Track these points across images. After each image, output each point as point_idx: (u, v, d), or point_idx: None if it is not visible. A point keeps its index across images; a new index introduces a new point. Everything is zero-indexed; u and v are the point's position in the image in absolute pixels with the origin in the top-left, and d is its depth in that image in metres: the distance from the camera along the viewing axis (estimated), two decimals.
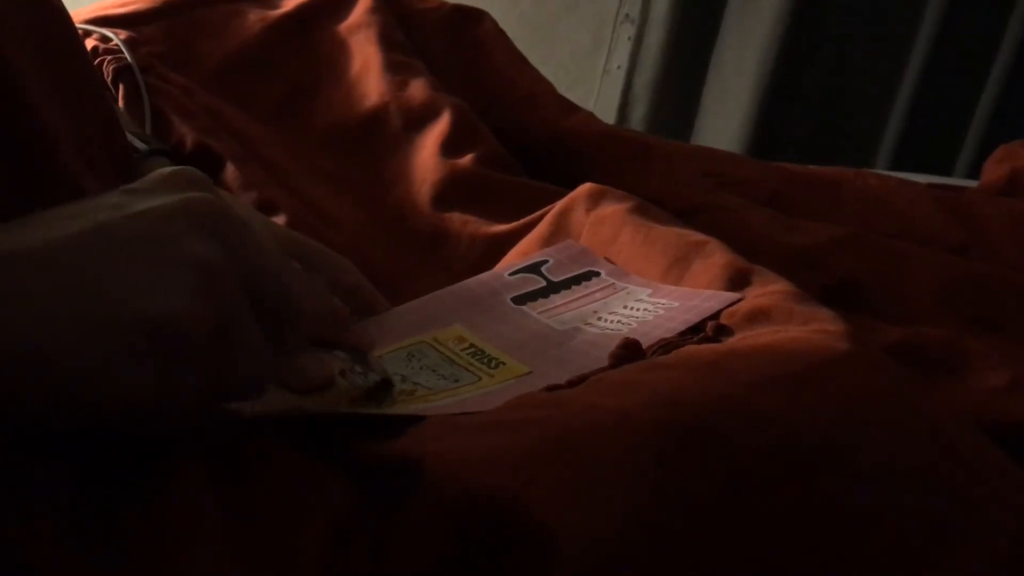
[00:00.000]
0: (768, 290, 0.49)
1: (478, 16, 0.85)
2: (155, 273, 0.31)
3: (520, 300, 0.54)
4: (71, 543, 0.30)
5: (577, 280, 0.56)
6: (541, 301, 0.54)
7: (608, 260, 0.57)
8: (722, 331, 0.46)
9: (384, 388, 0.44)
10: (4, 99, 0.42)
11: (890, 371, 0.41)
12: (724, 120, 1.60)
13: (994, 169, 1.03)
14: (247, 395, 0.36)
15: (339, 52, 0.76)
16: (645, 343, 0.46)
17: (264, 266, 0.35)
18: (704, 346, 0.44)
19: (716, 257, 0.53)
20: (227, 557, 0.31)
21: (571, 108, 0.81)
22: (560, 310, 0.53)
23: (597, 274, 0.56)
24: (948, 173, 1.53)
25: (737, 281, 0.51)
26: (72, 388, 0.30)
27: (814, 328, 0.43)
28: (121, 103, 0.67)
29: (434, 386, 0.46)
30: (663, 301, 0.52)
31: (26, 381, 0.29)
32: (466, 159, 0.68)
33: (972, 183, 1.07)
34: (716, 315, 0.48)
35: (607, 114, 1.61)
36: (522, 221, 0.64)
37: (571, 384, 0.42)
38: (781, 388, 0.38)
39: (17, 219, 0.31)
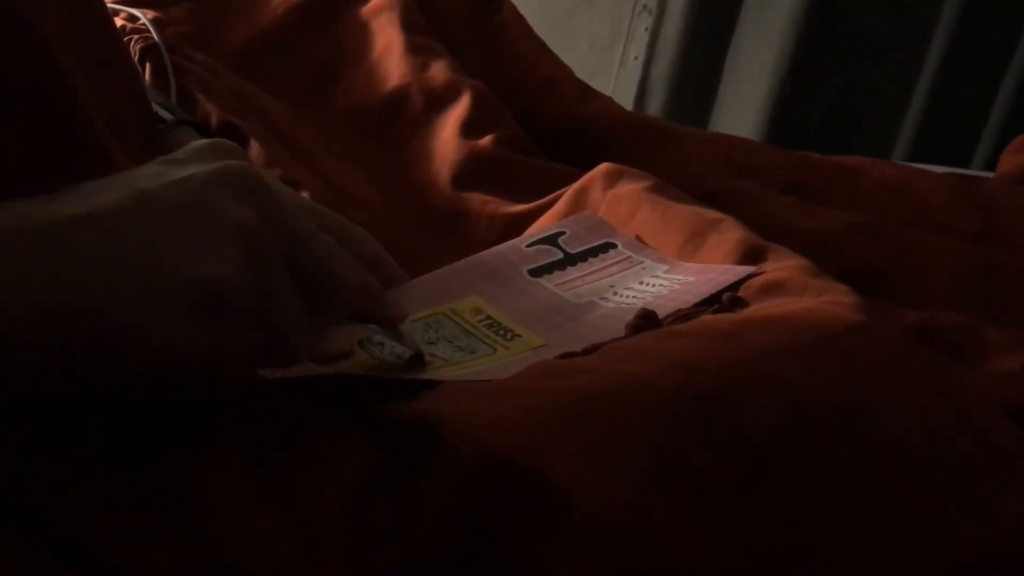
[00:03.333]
0: (783, 264, 0.49)
1: (499, 2, 0.86)
2: (199, 237, 0.32)
3: (537, 272, 0.55)
4: (103, 504, 0.31)
5: (594, 252, 0.57)
6: (557, 273, 0.55)
7: (624, 232, 0.58)
8: (737, 303, 0.47)
9: (417, 361, 0.44)
10: (40, 73, 0.42)
11: (903, 343, 0.42)
12: (741, 111, 1.60)
13: (1011, 159, 1.03)
14: (290, 361, 0.37)
15: (361, 34, 0.77)
16: (661, 314, 0.47)
17: (299, 234, 0.36)
18: (720, 316, 0.44)
19: (731, 233, 0.54)
20: (256, 516, 0.32)
21: (591, 93, 0.81)
22: (576, 283, 0.54)
23: (614, 246, 0.57)
24: (966, 166, 1.53)
25: (752, 257, 0.51)
26: (120, 346, 0.31)
27: (828, 299, 0.44)
28: (148, 82, 0.68)
29: (450, 357, 0.46)
30: (679, 276, 0.52)
31: (79, 338, 0.30)
32: (486, 140, 0.69)
33: (986, 174, 1.07)
34: (733, 287, 0.49)
35: (624, 105, 1.60)
36: (540, 201, 0.64)
37: (586, 352, 0.42)
38: (796, 356, 0.38)
39: (59, 190, 0.32)
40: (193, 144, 0.37)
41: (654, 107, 1.62)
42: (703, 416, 0.35)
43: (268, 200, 0.35)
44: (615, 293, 0.52)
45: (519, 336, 0.48)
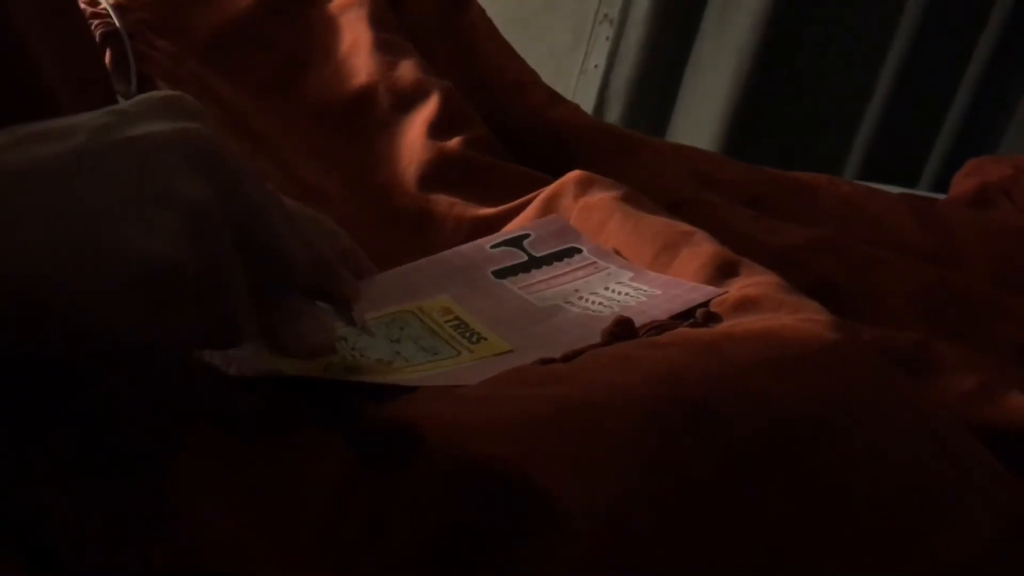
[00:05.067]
0: (756, 280, 0.50)
1: (467, 2, 0.85)
2: (145, 211, 0.30)
3: (501, 274, 0.54)
4: (72, 498, 0.30)
5: (559, 256, 0.56)
6: (522, 276, 0.54)
7: (589, 237, 0.57)
8: (711, 318, 0.47)
9: (380, 362, 0.44)
10: (6, 56, 0.41)
11: (877, 361, 0.42)
12: (698, 122, 1.62)
13: (963, 183, 1.05)
14: (230, 343, 0.35)
15: (330, 29, 0.75)
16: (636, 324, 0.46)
17: (254, 206, 0.33)
18: (697, 329, 0.44)
19: (704, 247, 0.54)
20: (231, 516, 0.31)
21: (558, 99, 0.81)
22: (540, 286, 0.53)
23: (579, 251, 0.56)
24: (913, 185, 1.56)
25: (725, 271, 0.51)
26: (50, 319, 0.29)
27: (804, 317, 0.44)
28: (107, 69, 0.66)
29: (412, 357, 0.46)
30: (645, 288, 0.52)
31: (8, 309, 0.28)
32: (454, 142, 0.68)
33: (936, 195, 1.09)
34: (704, 303, 0.49)
35: None
36: (509, 205, 0.64)
37: (566, 358, 0.42)
38: (776, 371, 0.39)
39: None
40: (150, 95, 0.33)
41: (613, 115, 1.63)
42: (686, 427, 0.35)
43: (225, 171, 0.32)
44: (580, 298, 0.52)
45: (484, 339, 0.48)
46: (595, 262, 0.55)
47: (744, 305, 0.47)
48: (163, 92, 0.34)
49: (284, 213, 0.35)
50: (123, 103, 0.33)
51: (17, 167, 0.28)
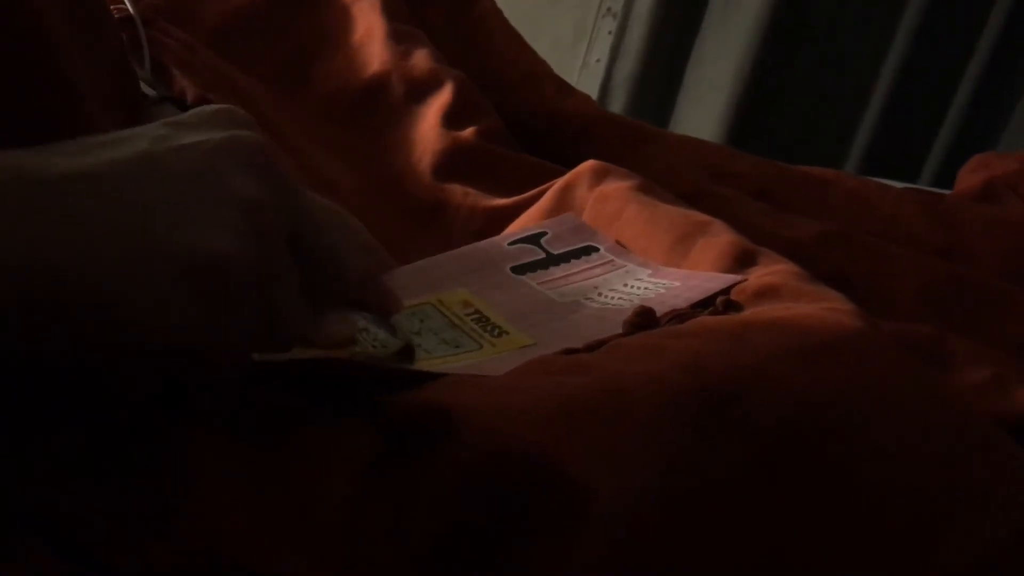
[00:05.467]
0: (775, 269, 0.50)
1: None
2: (202, 209, 0.30)
3: (519, 270, 0.54)
4: (90, 491, 0.29)
5: (576, 254, 0.56)
6: (540, 272, 0.54)
7: (606, 236, 0.57)
8: (731, 306, 0.47)
9: (405, 354, 0.43)
10: (26, 37, 0.40)
11: (902, 352, 0.42)
12: (700, 117, 1.62)
13: (968, 178, 1.05)
14: (285, 346, 0.35)
15: (342, 18, 0.75)
16: (657, 314, 0.46)
17: (308, 215, 0.34)
18: (719, 317, 0.44)
19: (722, 236, 0.54)
20: (251, 507, 0.31)
21: (569, 90, 0.81)
22: (560, 283, 0.53)
23: (596, 249, 0.56)
24: (913, 181, 1.57)
25: (743, 260, 0.51)
26: (113, 317, 0.29)
27: (827, 306, 0.44)
28: None
29: (434, 350, 0.46)
30: (664, 281, 0.52)
31: (67, 308, 0.28)
32: (468, 132, 0.68)
33: (938, 190, 1.09)
34: (725, 291, 0.49)
35: None
36: (523, 196, 0.64)
37: (589, 349, 0.42)
38: (800, 360, 0.39)
39: (55, 143, 0.30)
40: (203, 108, 0.34)
41: (615, 109, 1.62)
42: (713, 417, 0.35)
43: (278, 177, 0.33)
44: (600, 295, 0.52)
45: (507, 333, 0.48)
46: (612, 260, 0.55)
47: (764, 293, 0.47)
48: (216, 105, 0.35)
49: (330, 222, 0.35)
50: (179, 116, 0.33)
51: (76, 169, 0.28)
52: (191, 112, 0.34)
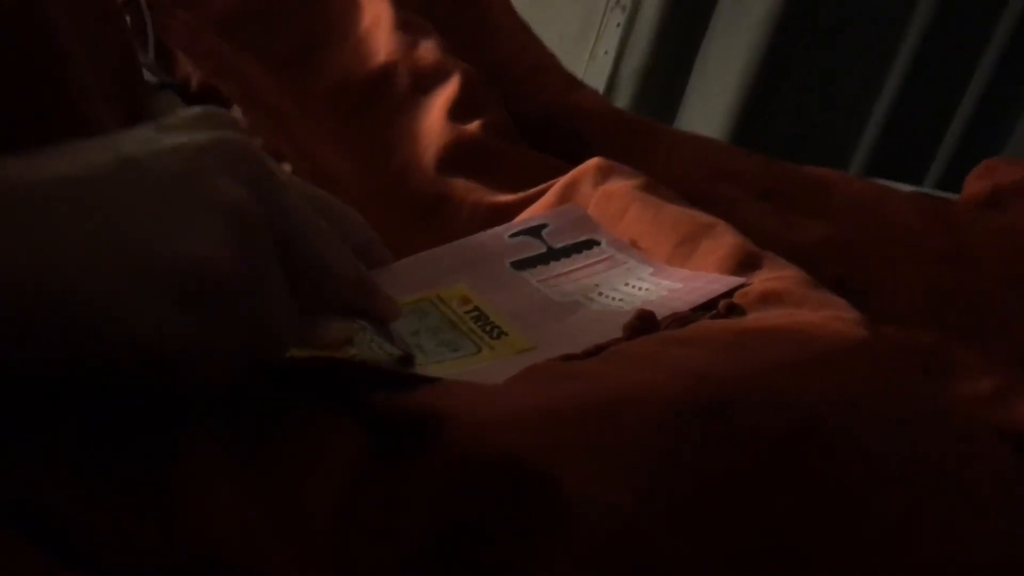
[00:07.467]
0: (779, 274, 0.49)
1: None
2: (185, 214, 0.29)
3: (520, 266, 0.53)
4: (85, 491, 0.29)
5: (577, 248, 0.56)
6: (540, 268, 0.53)
7: (607, 229, 0.57)
8: (734, 310, 0.46)
9: (405, 363, 0.43)
10: (28, 25, 0.40)
11: (904, 362, 0.42)
12: (707, 113, 1.61)
13: (975, 184, 1.05)
14: (272, 354, 0.34)
15: (349, 6, 0.74)
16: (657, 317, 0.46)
17: (296, 220, 0.33)
18: (720, 322, 0.44)
19: (726, 238, 0.53)
20: (241, 507, 0.30)
21: (577, 84, 0.80)
22: (560, 280, 0.53)
23: (597, 243, 0.56)
24: (919, 182, 1.56)
25: (747, 264, 0.51)
26: (93, 329, 0.28)
27: (829, 314, 0.43)
28: None
29: (431, 352, 0.45)
30: (666, 282, 0.52)
31: (43, 319, 0.27)
32: (473, 125, 0.67)
33: (944, 193, 1.09)
34: (727, 294, 0.48)
35: None
36: (527, 193, 0.63)
37: (587, 354, 0.42)
38: (800, 371, 0.38)
39: (37, 149, 0.29)
40: (188, 110, 0.34)
41: (621, 102, 1.62)
42: (707, 429, 0.35)
43: (265, 180, 0.32)
44: (600, 294, 0.51)
45: (506, 334, 0.47)
46: (613, 256, 0.55)
47: (768, 298, 0.47)
48: (201, 108, 0.34)
49: (320, 226, 0.35)
50: (162, 120, 0.33)
51: (52, 175, 0.28)
52: (177, 114, 0.33)
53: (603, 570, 0.31)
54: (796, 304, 0.46)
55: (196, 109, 0.34)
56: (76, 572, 0.27)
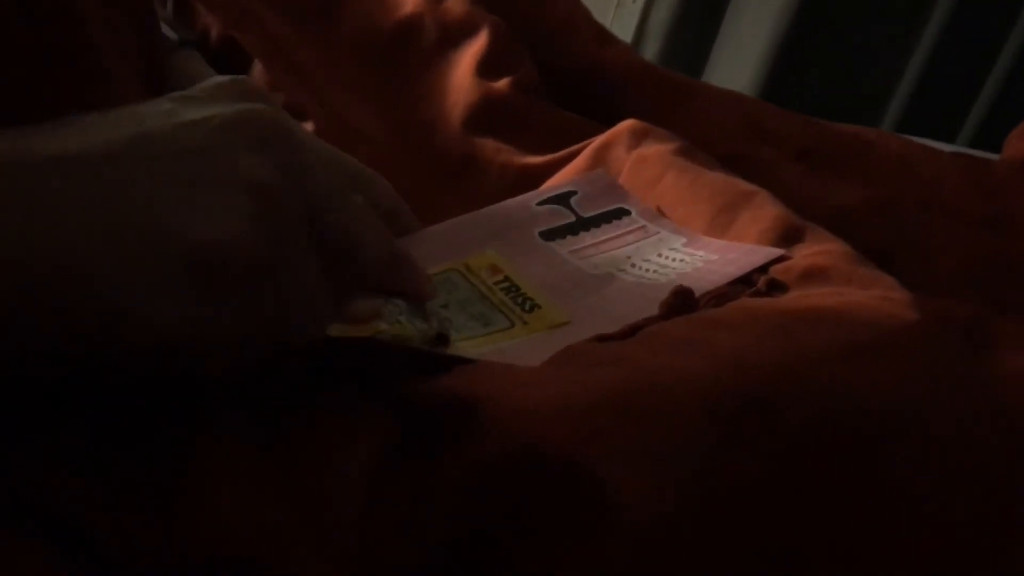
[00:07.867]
0: (823, 248, 0.47)
1: None
2: (203, 192, 0.28)
3: (548, 235, 0.52)
4: (100, 484, 0.28)
5: (607, 218, 0.54)
6: (570, 239, 0.52)
7: (638, 198, 0.55)
8: (775, 286, 0.45)
9: (440, 342, 0.41)
10: None
11: (957, 345, 0.40)
12: (736, 67, 1.57)
13: (1018, 144, 1.01)
14: (300, 338, 0.32)
15: None
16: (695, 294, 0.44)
17: (326, 198, 0.31)
18: (763, 302, 0.42)
19: (767, 209, 0.51)
20: (262, 502, 0.29)
21: (609, 38, 0.77)
22: (590, 251, 0.51)
23: (628, 212, 0.54)
24: (952, 139, 1.53)
25: (789, 236, 0.49)
26: (106, 314, 0.26)
27: (878, 294, 0.41)
28: None
29: (462, 327, 0.43)
30: (700, 253, 0.50)
31: (57, 301, 0.26)
32: (503, 83, 0.65)
33: (977, 152, 1.06)
34: (764, 268, 0.46)
35: None
36: (558, 154, 0.61)
37: (623, 335, 0.40)
38: (848, 360, 0.36)
39: (52, 120, 0.28)
40: (213, 80, 0.32)
41: (650, 53, 1.58)
42: (750, 420, 0.33)
43: (293, 153, 0.30)
44: (633, 265, 0.49)
45: (539, 307, 0.45)
46: (645, 226, 0.53)
47: (812, 275, 0.45)
48: (228, 77, 0.32)
49: (353, 203, 0.33)
50: (187, 91, 0.31)
51: (66, 151, 0.26)
52: (201, 84, 0.31)
53: (646, 568, 0.30)
54: (843, 281, 0.43)
55: (223, 78, 0.32)
56: (88, 572, 0.26)
